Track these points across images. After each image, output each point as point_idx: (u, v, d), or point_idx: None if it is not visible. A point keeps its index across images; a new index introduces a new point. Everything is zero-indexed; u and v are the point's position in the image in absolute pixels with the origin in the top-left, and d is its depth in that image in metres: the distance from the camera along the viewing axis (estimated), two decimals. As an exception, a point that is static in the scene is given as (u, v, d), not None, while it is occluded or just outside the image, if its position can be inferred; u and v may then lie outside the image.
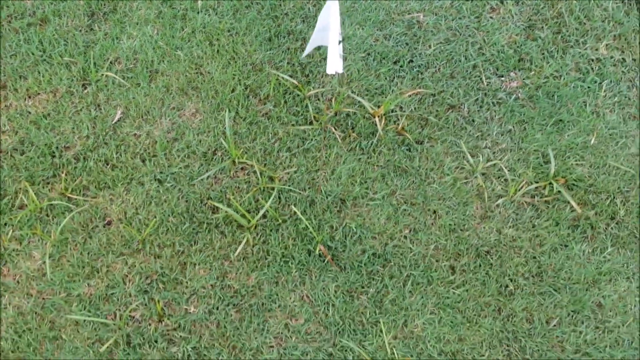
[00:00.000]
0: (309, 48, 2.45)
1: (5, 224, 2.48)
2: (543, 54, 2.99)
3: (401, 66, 2.91)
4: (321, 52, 2.89)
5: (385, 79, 2.87)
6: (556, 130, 2.77)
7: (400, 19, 3.08)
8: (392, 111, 2.78)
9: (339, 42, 2.21)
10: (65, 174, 2.57)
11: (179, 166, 2.60)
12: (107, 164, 2.61)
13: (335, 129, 2.71)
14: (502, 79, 2.92)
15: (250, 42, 2.91)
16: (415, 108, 2.79)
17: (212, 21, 2.97)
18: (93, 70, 2.77)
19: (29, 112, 2.69)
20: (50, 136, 2.64)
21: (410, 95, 2.79)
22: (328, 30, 2.28)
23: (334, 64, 2.26)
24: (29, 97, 2.74)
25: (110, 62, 2.84)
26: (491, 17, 3.10)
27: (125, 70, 2.83)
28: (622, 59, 2.98)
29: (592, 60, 2.98)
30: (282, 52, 2.91)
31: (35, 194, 2.53)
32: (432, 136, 2.73)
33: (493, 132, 2.75)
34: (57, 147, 2.62)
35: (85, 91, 2.77)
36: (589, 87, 2.89)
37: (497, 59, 2.96)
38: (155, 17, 2.97)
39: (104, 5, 2.99)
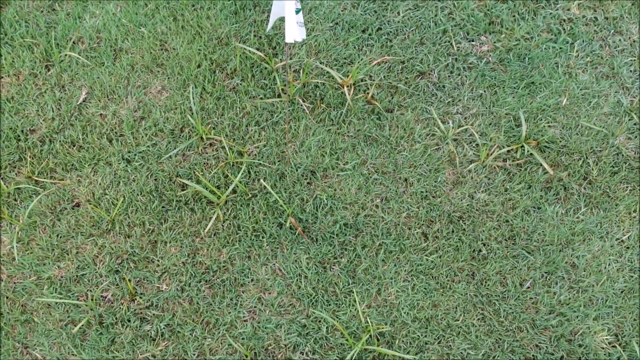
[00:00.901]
0: (271, 21, 2.37)
1: (-27, 210, 2.43)
2: (514, 16, 2.91)
3: (370, 34, 2.83)
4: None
5: (354, 48, 2.79)
6: (528, 92, 2.71)
7: (368, -14, 2.98)
8: (362, 80, 2.71)
9: (297, 10, 2.12)
10: (31, 157, 2.51)
11: (146, 145, 2.54)
12: (74, 146, 2.54)
13: (304, 101, 2.64)
14: (473, 43, 2.85)
15: (215, 15, 2.82)
16: (384, 76, 2.72)
17: (177, -4, 2.88)
18: (56, 51, 2.69)
19: (-8, 97, 2.62)
20: (15, 120, 2.57)
21: (378, 63, 2.72)
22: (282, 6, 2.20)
23: (293, 32, 2.18)
24: (-8, 81, 2.66)
25: (73, 42, 2.76)
26: (461, -19, 3.01)
27: (88, 49, 2.74)
28: (594, 17, 2.90)
29: (564, 20, 2.90)
30: (248, 25, 2.82)
31: (1, 178, 2.46)
32: (402, 104, 2.66)
33: (464, 97, 2.69)
34: (22, 131, 2.55)
35: (49, 73, 2.69)
36: (560, 48, 2.82)
37: (467, 23, 2.88)
38: (118, -5, 2.88)
39: (65, -16, 2.90)
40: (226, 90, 2.66)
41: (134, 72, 2.69)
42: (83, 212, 2.42)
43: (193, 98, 2.56)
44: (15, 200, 2.44)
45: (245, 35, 2.79)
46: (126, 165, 2.49)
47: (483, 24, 2.87)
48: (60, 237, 2.38)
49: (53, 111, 2.59)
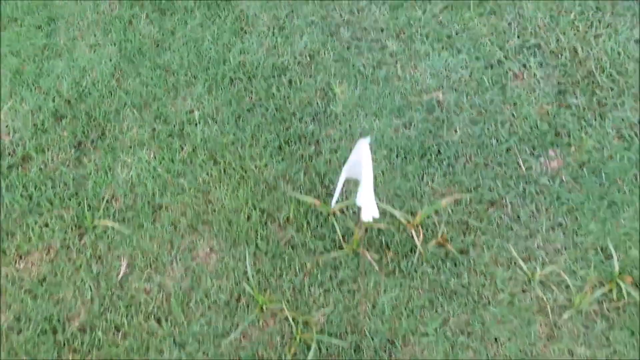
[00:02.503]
0: (337, 191, 1.96)
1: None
2: (580, 123, 2.48)
3: (429, 160, 2.40)
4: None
5: (414, 178, 2.36)
6: (610, 215, 2.28)
7: (418, 101, 2.56)
8: (427, 217, 2.28)
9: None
10: (72, 352, 2.06)
11: (199, 323, 2.09)
12: (118, 332, 2.10)
13: (368, 250, 2.21)
14: (541, 159, 2.42)
15: (259, 154, 2.39)
16: (452, 210, 2.29)
17: (214, 134, 2.44)
18: (88, 216, 2.24)
19: (22, 279, 2.17)
20: (50, 306, 2.12)
21: (447, 202, 2.28)
22: (357, 168, 1.79)
23: (370, 209, 1.76)
24: (20, 259, 2.22)
25: (107, 201, 2.32)
26: (516, 86, 2.59)
27: (124, 208, 2.30)
28: (667, 118, 2.48)
29: (634, 123, 2.48)
30: (295, 161, 2.39)
31: (41, 379, 2.02)
32: (476, 242, 2.23)
33: (542, 227, 2.26)
34: (58, 320, 2.11)
35: (83, 242, 2.24)
36: (636, 157, 2.39)
37: (531, 137, 2.45)
38: (149, 138, 2.44)
39: (91, 131, 2.46)
40: (281, 245, 2.22)
41: (177, 232, 2.25)
42: (137, 415, 1.97)
43: (249, 261, 2.12)
44: (59, 405, 2.00)
45: (294, 175, 2.35)
46: (180, 352, 2.05)
47: (549, 135, 2.45)
48: None
49: (91, 290, 2.15)
